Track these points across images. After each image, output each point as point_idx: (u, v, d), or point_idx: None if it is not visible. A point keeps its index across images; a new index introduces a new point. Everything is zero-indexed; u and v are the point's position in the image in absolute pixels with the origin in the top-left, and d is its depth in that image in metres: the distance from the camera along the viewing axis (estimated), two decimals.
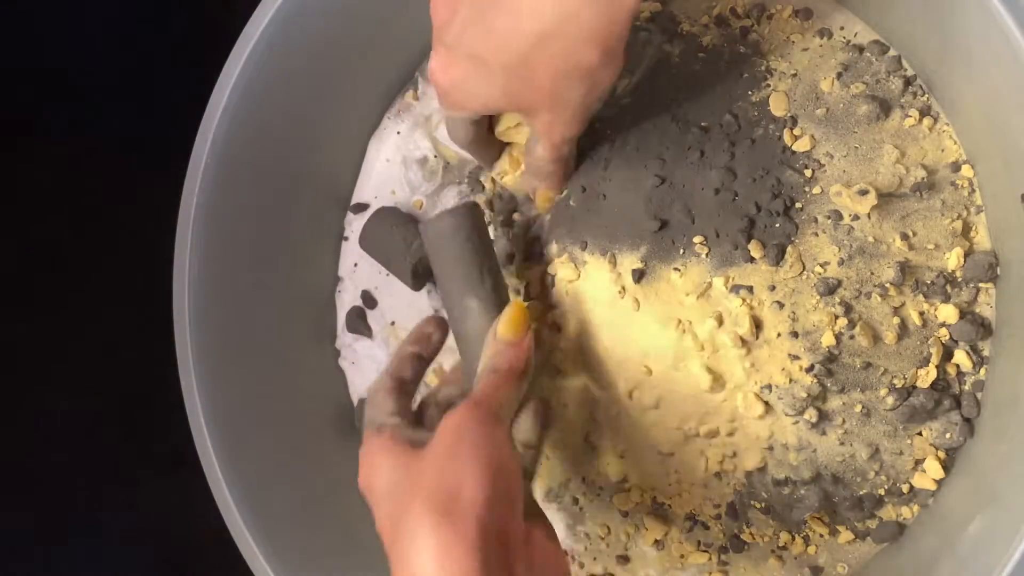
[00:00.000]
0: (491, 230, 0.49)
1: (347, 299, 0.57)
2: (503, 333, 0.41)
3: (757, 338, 0.44)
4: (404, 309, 0.56)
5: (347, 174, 0.57)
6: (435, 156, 0.56)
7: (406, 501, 0.35)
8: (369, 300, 0.57)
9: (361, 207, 0.57)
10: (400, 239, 0.53)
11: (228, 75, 0.49)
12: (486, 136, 0.49)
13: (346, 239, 0.58)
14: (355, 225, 0.57)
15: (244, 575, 0.48)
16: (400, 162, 0.56)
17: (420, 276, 0.54)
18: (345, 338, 0.57)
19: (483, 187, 0.53)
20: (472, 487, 0.34)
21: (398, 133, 0.57)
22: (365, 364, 0.57)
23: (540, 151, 0.45)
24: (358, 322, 0.56)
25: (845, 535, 0.47)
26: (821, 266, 0.46)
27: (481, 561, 0.33)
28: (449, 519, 0.33)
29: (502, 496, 0.35)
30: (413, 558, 0.33)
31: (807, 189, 0.47)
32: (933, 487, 0.45)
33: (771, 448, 0.46)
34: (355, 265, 0.57)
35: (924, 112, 0.47)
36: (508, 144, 0.51)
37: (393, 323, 0.56)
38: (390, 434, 0.39)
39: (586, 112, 0.42)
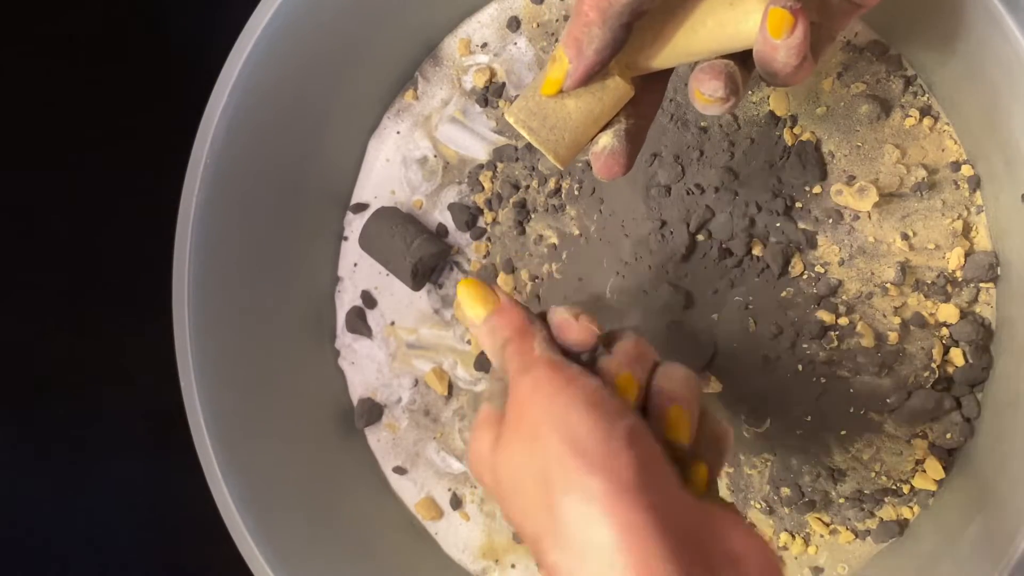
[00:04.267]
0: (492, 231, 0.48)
1: (347, 299, 0.57)
2: (474, 317, 0.35)
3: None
4: (404, 309, 0.56)
5: (347, 174, 0.57)
6: (435, 156, 0.56)
7: (506, 477, 0.30)
8: (369, 300, 0.57)
9: (361, 207, 0.57)
10: (400, 239, 0.53)
11: (228, 75, 0.49)
12: None
13: (346, 239, 0.58)
14: (355, 225, 0.57)
15: (244, 575, 0.48)
16: (400, 162, 0.56)
17: (420, 276, 0.54)
18: (345, 338, 0.57)
19: (482, 187, 0.53)
20: (605, 452, 0.28)
21: (398, 133, 0.57)
22: (365, 364, 0.57)
23: None
24: (358, 322, 0.56)
25: (845, 535, 0.47)
26: (822, 266, 0.46)
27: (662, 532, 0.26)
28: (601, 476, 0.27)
29: (650, 463, 0.28)
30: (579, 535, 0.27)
31: (807, 188, 0.47)
32: (933, 487, 0.45)
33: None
34: (355, 265, 0.57)
35: (924, 112, 0.47)
36: None
37: (393, 323, 0.56)
38: (484, 409, 0.34)
39: None
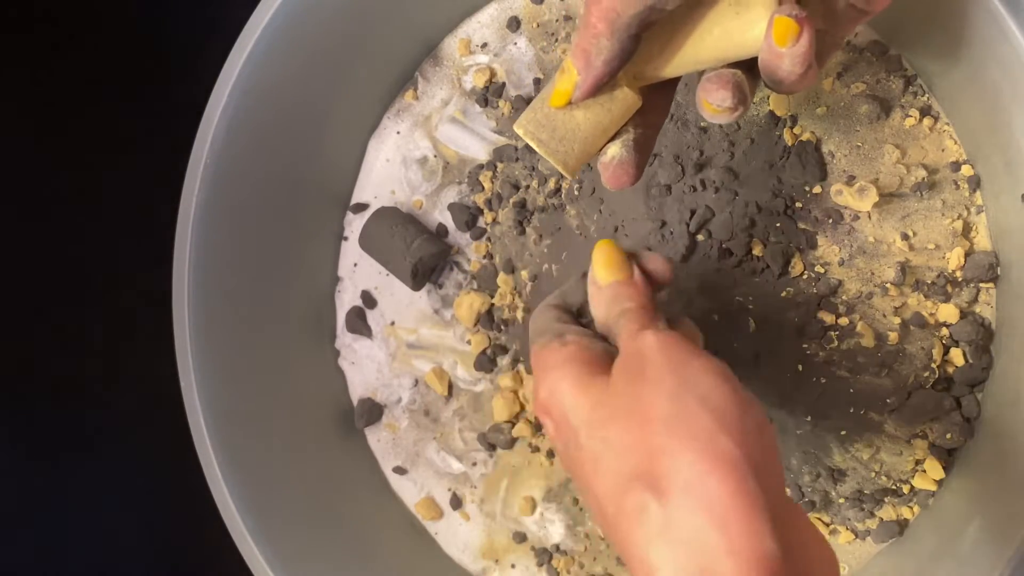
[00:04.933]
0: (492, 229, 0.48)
1: (347, 299, 0.57)
2: (602, 278, 0.34)
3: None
4: (404, 309, 0.56)
5: (347, 174, 0.57)
6: (435, 156, 0.56)
7: (627, 436, 0.29)
8: (369, 300, 0.57)
9: (361, 207, 0.57)
10: (400, 239, 0.53)
11: (228, 75, 0.49)
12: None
13: (346, 239, 0.58)
14: (355, 225, 0.57)
15: (244, 575, 0.48)
16: (400, 162, 0.56)
17: (420, 276, 0.54)
18: (345, 338, 0.57)
19: (482, 187, 0.53)
20: (739, 411, 0.28)
21: (398, 133, 0.57)
22: (365, 364, 0.57)
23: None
24: (358, 322, 0.56)
25: (845, 535, 0.47)
26: (822, 266, 0.46)
27: (762, 508, 0.26)
28: (721, 462, 0.26)
29: (767, 429, 0.28)
30: (683, 506, 0.26)
31: (807, 188, 0.47)
32: (933, 487, 0.45)
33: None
34: (355, 265, 0.57)
35: (924, 112, 0.47)
36: None
37: (393, 323, 0.56)
38: (576, 344, 0.33)
39: None
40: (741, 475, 0.26)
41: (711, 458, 0.26)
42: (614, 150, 0.36)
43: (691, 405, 0.28)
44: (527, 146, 0.53)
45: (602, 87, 0.34)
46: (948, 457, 0.45)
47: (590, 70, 0.33)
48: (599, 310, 0.35)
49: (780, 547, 0.26)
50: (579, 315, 0.37)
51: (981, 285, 0.45)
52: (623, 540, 0.28)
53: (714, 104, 0.33)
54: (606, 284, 0.34)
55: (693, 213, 0.47)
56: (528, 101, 0.53)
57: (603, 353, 0.33)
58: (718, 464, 0.26)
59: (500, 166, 0.53)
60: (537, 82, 0.53)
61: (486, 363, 0.53)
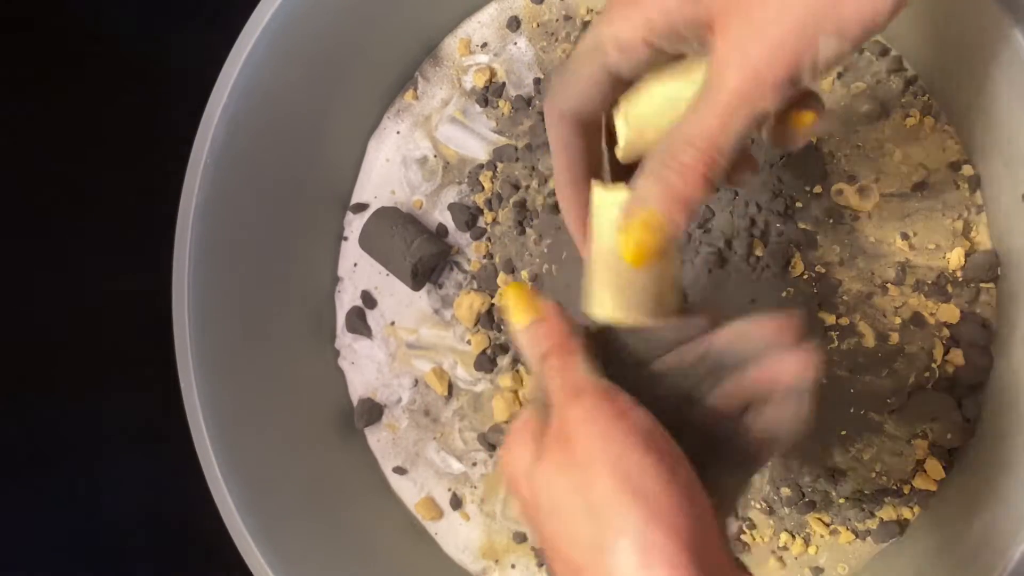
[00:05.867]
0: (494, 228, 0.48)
1: (347, 299, 0.57)
2: (516, 323, 0.33)
3: None
4: (404, 309, 0.56)
5: (347, 174, 0.57)
6: (435, 156, 0.56)
7: (553, 497, 0.29)
8: (369, 300, 0.57)
9: (361, 207, 0.57)
10: (400, 239, 0.53)
11: (228, 75, 0.49)
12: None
13: (346, 239, 0.58)
14: (355, 225, 0.57)
15: (244, 575, 0.48)
16: (400, 162, 0.56)
17: (420, 276, 0.54)
18: (345, 338, 0.57)
19: (482, 187, 0.53)
20: (666, 497, 0.27)
21: (398, 133, 0.57)
22: (365, 364, 0.57)
23: (693, 118, 0.29)
24: (358, 322, 0.56)
25: (845, 535, 0.47)
26: (822, 266, 0.46)
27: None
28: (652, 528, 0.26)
29: (697, 506, 0.28)
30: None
31: (807, 188, 0.47)
32: (934, 487, 0.45)
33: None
34: (355, 265, 0.57)
35: (925, 112, 0.47)
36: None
37: (393, 323, 0.56)
38: (522, 417, 0.32)
39: (797, 52, 0.29)
40: (678, 568, 0.26)
41: (646, 555, 0.26)
42: None
43: (621, 497, 0.27)
44: (527, 145, 0.53)
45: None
46: (948, 457, 0.45)
47: (689, 218, 0.30)
48: (526, 358, 0.34)
49: None
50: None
51: (981, 285, 0.45)
52: None
53: (814, 108, 0.31)
54: (523, 328, 0.33)
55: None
56: (528, 101, 0.53)
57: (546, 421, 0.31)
58: (654, 560, 0.26)
59: (500, 166, 0.53)
60: (537, 82, 0.53)
61: (486, 363, 0.53)
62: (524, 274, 0.52)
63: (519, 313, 0.33)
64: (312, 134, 0.54)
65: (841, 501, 0.47)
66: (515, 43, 0.54)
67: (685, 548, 0.26)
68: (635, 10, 0.29)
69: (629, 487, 0.27)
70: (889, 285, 0.46)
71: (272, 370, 0.53)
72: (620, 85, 0.32)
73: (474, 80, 0.54)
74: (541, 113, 0.52)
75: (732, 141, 0.29)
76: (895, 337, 0.45)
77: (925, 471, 0.45)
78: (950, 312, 0.45)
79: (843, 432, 0.46)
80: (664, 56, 0.31)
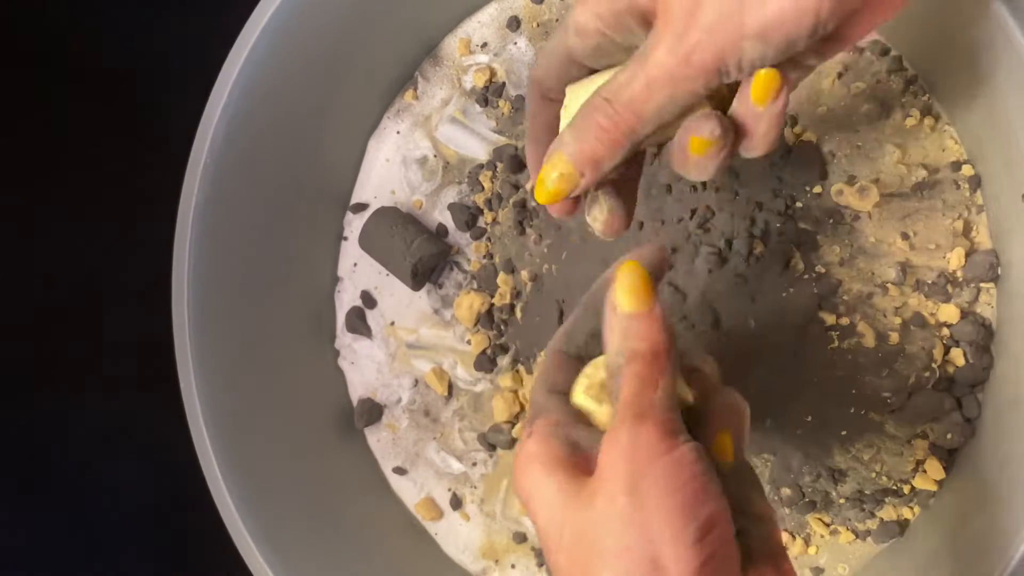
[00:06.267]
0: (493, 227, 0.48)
1: (347, 299, 0.57)
2: (624, 304, 0.31)
3: None
4: (404, 309, 0.56)
5: (347, 174, 0.57)
6: (435, 156, 0.56)
7: (583, 558, 0.28)
8: (369, 300, 0.57)
9: (361, 207, 0.57)
10: (400, 239, 0.53)
11: (228, 75, 0.49)
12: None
13: (346, 239, 0.58)
14: (355, 225, 0.57)
15: (244, 575, 0.48)
16: (400, 162, 0.56)
17: (420, 276, 0.54)
18: (344, 338, 0.57)
19: (482, 187, 0.53)
20: (674, 555, 0.26)
21: (398, 133, 0.57)
22: (364, 364, 0.57)
23: (620, 80, 0.31)
24: (358, 322, 0.56)
25: (845, 535, 0.47)
26: (822, 266, 0.46)
27: None
28: None
29: (717, 557, 0.27)
30: None
31: (807, 188, 0.47)
32: (934, 488, 0.45)
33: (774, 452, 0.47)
34: (355, 265, 0.57)
35: (925, 112, 0.47)
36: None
37: (393, 323, 0.56)
38: (539, 437, 0.30)
39: (721, 50, 0.29)
40: None
41: None
42: (598, 211, 0.35)
43: (636, 547, 0.27)
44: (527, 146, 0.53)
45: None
46: (949, 457, 0.45)
47: (596, 175, 0.32)
48: (612, 339, 0.31)
49: None
50: (587, 357, 0.35)
51: (982, 285, 0.45)
52: None
53: (704, 135, 0.31)
54: (623, 314, 0.31)
55: (693, 213, 0.47)
56: None
57: (571, 446, 0.30)
58: None
59: (500, 166, 0.53)
60: None
61: (486, 363, 0.53)
62: (524, 274, 0.52)
63: (628, 296, 0.31)
64: (312, 134, 0.54)
65: (841, 501, 0.47)
66: (515, 43, 0.54)
67: None
68: None
69: (656, 536, 0.27)
70: (889, 285, 0.46)
71: (272, 370, 0.53)
72: (577, 65, 0.33)
73: (474, 80, 0.54)
74: None
75: (652, 111, 0.30)
76: (895, 337, 0.45)
77: (925, 471, 0.45)
78: (950, 312, 0.45)
79: (843, 432, 0.46)
80: (618, 46, 0.32)
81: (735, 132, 0.31)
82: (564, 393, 0.33)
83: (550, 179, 0.32)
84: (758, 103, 0.30)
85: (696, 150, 0.31)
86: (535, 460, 0.30)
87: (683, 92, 0.30)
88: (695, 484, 0.28)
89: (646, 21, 0.30)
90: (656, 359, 0.30)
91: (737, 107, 0.31)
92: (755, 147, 0.32)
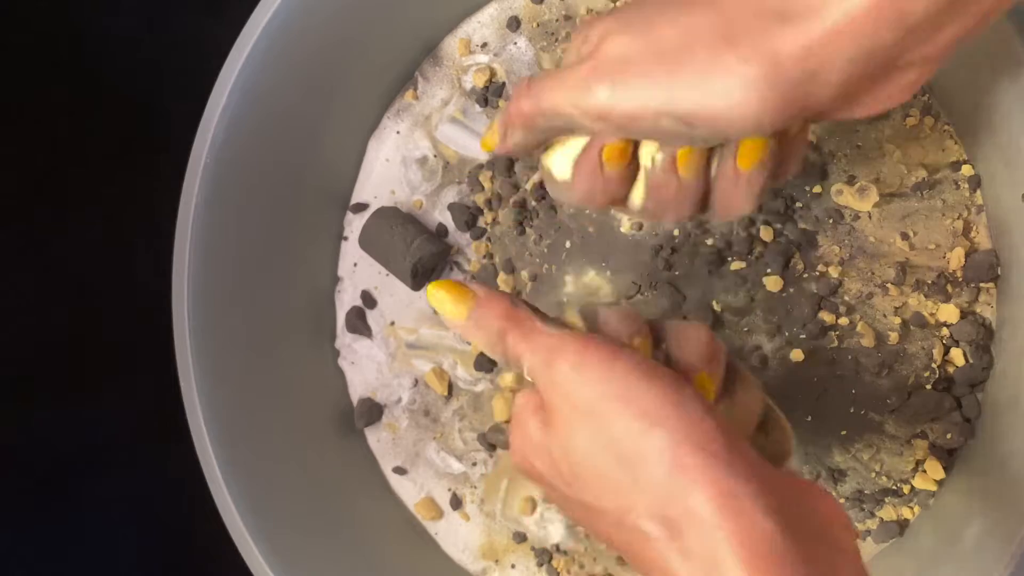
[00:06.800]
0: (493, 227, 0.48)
1: (347, 299, 0.57)
2: (454, 316, 0.33)
3: None
4: (404, 309, 0.56)
5: (347, 174, 0.57)
6: (435, 156, 0.56)
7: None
8: (369, 300, 0.57)
9: (361, 207, 0.57)
10: (400, 239, 0.53)
11: (228, 75, 0.49)
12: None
13: (346, 239, 0.58)
14: (355, 225, 0.57)
15: (244, 574, 0.48)
16: (400, 162, 0.56)
17: (420, 276, 0.54)
18: (345, 338, 0.57)
19: (482, 187, 0.53)
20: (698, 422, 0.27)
21: (397, 133, 0.57)
22: (365, 364, 0.57)
23: (542, 79, 0.32)
24: (358, 322, 0.56)
25: None
26: (822, 266, 0.46)
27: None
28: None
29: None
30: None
31: (807, 188, 0.47)
32: (934, 488, 0.45)
33: None
34: (355, 265, 0.57)
35: (925, 112, 0.47)
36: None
37: (393, 323, 0.56)
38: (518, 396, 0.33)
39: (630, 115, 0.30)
40: (723, 487, 0.26)
41: (683, 474, 0.26)
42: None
43: (641, 426, 0.27)
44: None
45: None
46: (948, 457, 0.45)
47: (503, 147, 0.34)
48: (482, 345, 0.33)
49: (788, 531, 0.25)
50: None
51: (981, 285, 0.45)
52: (635, 557, 0.28)
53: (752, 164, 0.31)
54: (464, 318, 0.33)
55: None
56: None
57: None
58: (694, 479, 0.26)
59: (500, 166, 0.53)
60: None
61: (486, 363, 0.53)
62: (524, 274, 0.52)
63: (454, 307, 0.33)
64: (312, 134, 0.54)
65: (841, 501, 0.47)
66: (515, 43, 0.54)
67: (717, 458, 0.26)
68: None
69: (643, 416, 0.27)
70: (889, 285, 0.46)
71: (272, 370, 0.53)
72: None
73: (474, 80, 0.54)
74: None
75: (553, 119, 0.31)
76: (895, 337, 0.45)
77: (925, 471, 0.45)
78: (950, 312, 0.45)
79: (843, 432, 0.46)
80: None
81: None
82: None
83: (489, 132, 0.35)
84: (744, 167, 0.31)
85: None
86: (639, 365, 0.29)
87: (574, 122, 0.31)
88: (655, 365, 0.29)
89: None
90: (516, 317, 0.32)
91: (722, 175, 0.31)
92: (728, 209, 0.32)
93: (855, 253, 0.46)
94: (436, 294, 0.33)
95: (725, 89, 0.27)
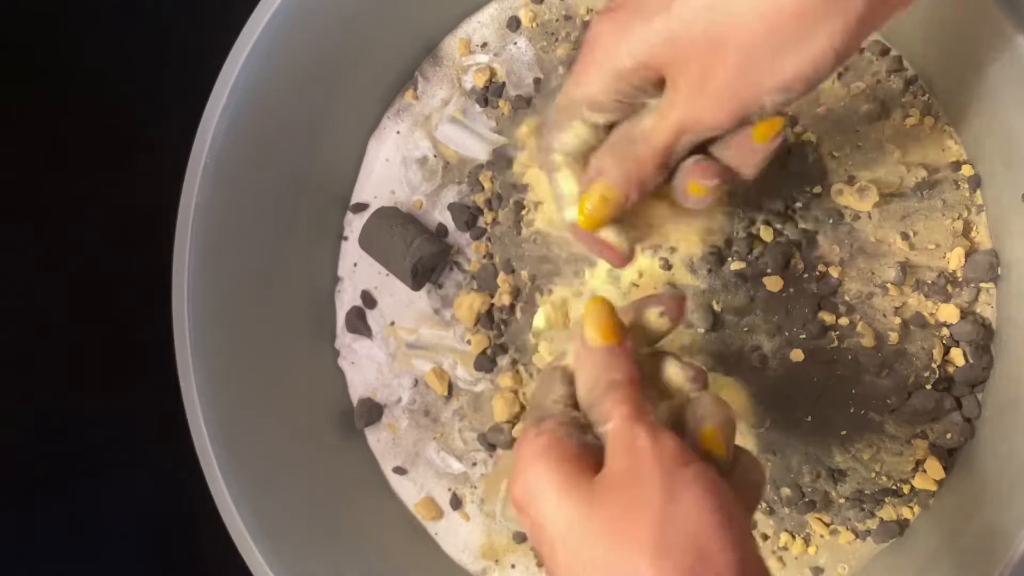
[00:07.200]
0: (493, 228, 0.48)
1: (347, 299, 0.57)
2: (594, 338, 0.33)
3: None
4: (403, 309, 0.56)
5: (347, 174, 0.57)
6: (434, 156, 0.56)
7: (612, 559, 0.28)
8: (369, 300, 0.57)
9: (361, 207, 0.57)
10: (400, 239, 0.53)
11: (228, 75, 0.49)
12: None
13: (346, 239, 0.58)
14: (355, 225, 0.57)
15: (244, 574, 0.48)
16: (400, 162, 0.56)
17: (420, 276, 0.54)
18: (345, 338, 0.57)
19: (482, 187, 0.53)
20: (721, 547, 0.27)
21: (397, 133, 0.57)
22: (364, 364, 0.57)
23: (649, 126, 0.33)
24: (358, 322, 0.56)
25: (845, 535, 0.47)
26: (822, 266, 0.46)
27: None
28: None
29: (753, 559, 0.28)
30: None
31: (807, 188, 0.47)
32: (934, 487, 0.45)
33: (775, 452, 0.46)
34: (355, 265, 0.57)
35: (925, 112, 0.47)
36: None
37: (393, 323, 0.56)
38: (551, 436, 0.31)
39: (747, 108, 0.31)
40: None
41: None
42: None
43: (678, 540, 0.27)
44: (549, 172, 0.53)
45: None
46: (948, 457, 0.45)
47: (639, 196, 0.34)
48: (584, 375, 0.33)
49: None
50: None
51: (981, 285, 0.45)
52: None
53: (702, 184, 0.34)
54: (596, 348, 0.33)
55: None
56: (528, 101, 0.53)
57: (582, 446, 0.31)
58: None
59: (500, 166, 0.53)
60: (537, 82, 0.53)
61: (486, 363, 0.53)
62: (524, 274, 0.52)
63: (600, 331, 0.33)
64: (312, 134, 0.54)
65: (841, 501, 0.47)
66: (515, 43, 0.54)
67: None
68: (596, 73, 0.33)
69: (687, 534, 0.27)
70: (889, 285, 0.46)
71: (272, 370, 0.53)
72: (598, 129, 0.35)
73: (474, 80, 0.54)
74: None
75: (676, 154, 0.33)
76: (895, 337, 0.45)
77: (925, 471, 0.45)
78: (950, 312, 0.45)
79: (843, 432, 0.46)
80: (625, 109, 0.33)
81: (728, 170, 0.34)
82: (567, 404, 0.33)
83: (593, 204, 0.34)
84: (760, 141, 0.32)
85: (696, 193, 0.34)
86: (544, 456, 0.30)
87: (700, 139, 0.33)
88: (724, 488, 0.29)
89: (654, 85, 0.32)
90: (634, 389, 0.32)
91: (732, 138, 0.33)
92: (744, 176, 0.34)
93: (855, 253, 0.46)
94: (594, 310, 0.33)
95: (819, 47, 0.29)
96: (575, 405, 0.33)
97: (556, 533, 0.29)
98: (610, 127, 0.34)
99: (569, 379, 0.34)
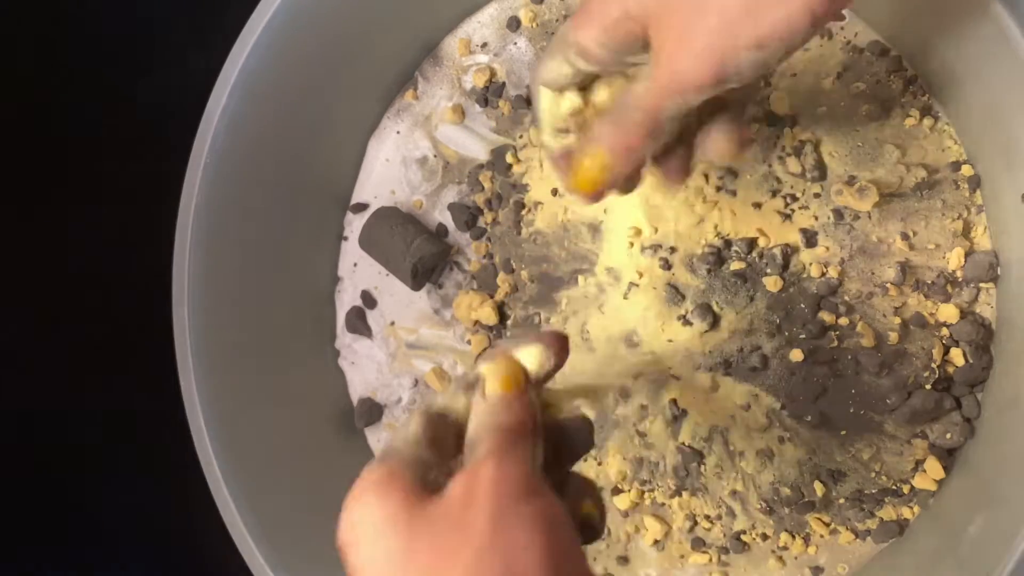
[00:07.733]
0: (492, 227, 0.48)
1: (347, 299, 0.57)
2: (494, 388, 0.32)
3: None
4: (403, 309, 0.56)
5: (347, 174, 0.57)
6: (435, 156, 0.56)
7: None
8: (369, 300, 0.57)
9: (361, 207, 0.57)
10: (400, 239, 0.53)
11: (228, 75, 0.49)
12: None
13: (346, 239, 0.58)
14: (355, 225, 0.57)
15: (244, 574, 0.48)
16: (400, 162, 0.56)
17: (420, 276, 0.54)
18: (345, 338, 0.57)
19: (482, 187, 0.53)
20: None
21: (397, 133, 0.57)
22: (364, 364, 0.57)
23: (639, 91, 0.34)
24: (358, 322, 0.56)
25: (845, 535, 0.47)
26: (822, 266, 0.46)
27: None
28: None
29: None
30: None
31: (808, 188, 0.47)
32: (933, 487, 0.45)
33: (772, 453, 0.46)
34: (355, 265, 0.57)
35: (925, 112, 0.47)
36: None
37: (393, 323, 0.56)
38: (387, 468, 0.29)
39: (724, 65, 0.31)
40: None
41: None
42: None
43: (496, 572, 0.26)
44: (526, 147, 0.53)
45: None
46: (948, 457, 0.45)
47: (630, 166, 0.36)
48: (475, 420, 0.31)
49: None
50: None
51: (981, 285, 0.45)
52: None
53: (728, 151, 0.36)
54: (493, 393, 0.32)
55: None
56: (528, 101, 0.53)
57: (421, 481, 0.29)
58: None
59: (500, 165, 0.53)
60: None
61: None
62: (524, 274, 0.52)
63: (503, 381, 0.32)
64: (312, 134, 0.54)
65: (841, 501, 0.47)
66: (515, 43, 0.54)
67: None
68: (588, 22, 0.34)
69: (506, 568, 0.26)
70: (889, 285, 0.46)
71: (272, 370, 0.53)
72: (580, 72, 0.36)
73: (474, 80, 0.54)
74: None
75: (664, 118, 0.34)
76: (895, 337, 0.45)
77: (925, 471, 0.45)
78: (950, 312, 0.45)
79: (843, 432, 0.46)
80: (617, 60, 0.35)
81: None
82: (421, 445, 0.32)
83: (591, 169, 0.35)
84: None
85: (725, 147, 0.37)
86: (375, 488, 0.29)
87: (687, 102, 0.33)
88: (563, 531, 0.28)
89: (640, 39, 0.33)
90: (526, 433, 0.30)
91: (712, 127, 0.36)
92: (722, 157, 0.37)
93: (855, 253, 0.46)
94: (500, 366, 0.33)
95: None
96: (435, 449, 0.31)
97: (373, 562, 0.28)
98: (593, 79, 0.36)
99: (431, 424, 0.32)
